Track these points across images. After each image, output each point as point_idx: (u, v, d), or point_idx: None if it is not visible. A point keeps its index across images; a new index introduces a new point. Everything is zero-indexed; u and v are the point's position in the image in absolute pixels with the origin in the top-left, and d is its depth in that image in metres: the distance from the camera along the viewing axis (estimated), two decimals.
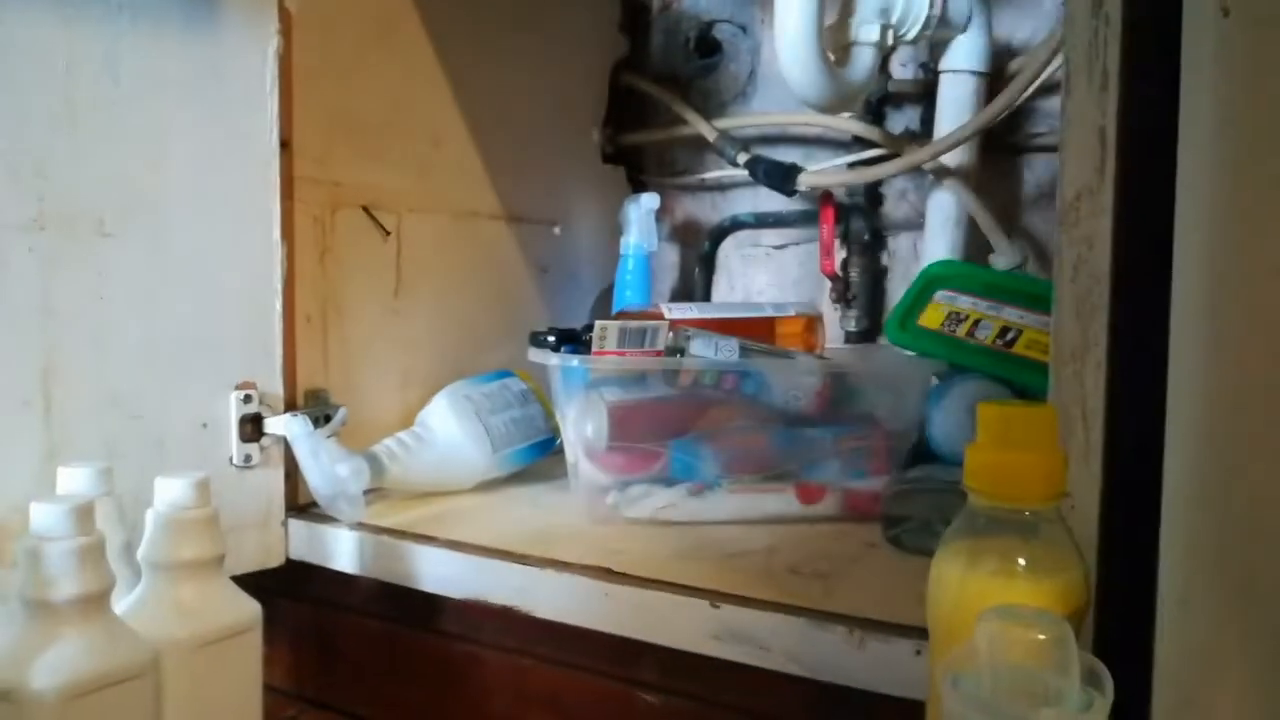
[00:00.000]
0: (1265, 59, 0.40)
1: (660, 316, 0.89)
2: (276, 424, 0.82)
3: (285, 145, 0.83)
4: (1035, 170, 1.10)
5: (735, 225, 1.28)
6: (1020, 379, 0.87)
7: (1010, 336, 0.89)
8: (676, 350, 0.84)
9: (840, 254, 1.17)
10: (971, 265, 1.02)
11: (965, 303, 0.93)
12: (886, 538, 0.77)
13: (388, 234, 0.97)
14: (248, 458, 0.82)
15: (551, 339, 0.87)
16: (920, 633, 0.49)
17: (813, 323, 0.97)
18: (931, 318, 0.94)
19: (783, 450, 0.86)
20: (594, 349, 0.82)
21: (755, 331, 0.91)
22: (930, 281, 0.97)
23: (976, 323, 0.91)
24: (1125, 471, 0.51)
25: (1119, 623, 0.49)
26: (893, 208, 1.18)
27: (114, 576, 0.59)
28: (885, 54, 1.01)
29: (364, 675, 0.84)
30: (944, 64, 1.05)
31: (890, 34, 0.97)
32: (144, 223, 0.75)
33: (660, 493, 0.84)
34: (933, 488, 0.77)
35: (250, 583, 0.69)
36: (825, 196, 1.14)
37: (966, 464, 0.44)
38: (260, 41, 0.81)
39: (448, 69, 1.02)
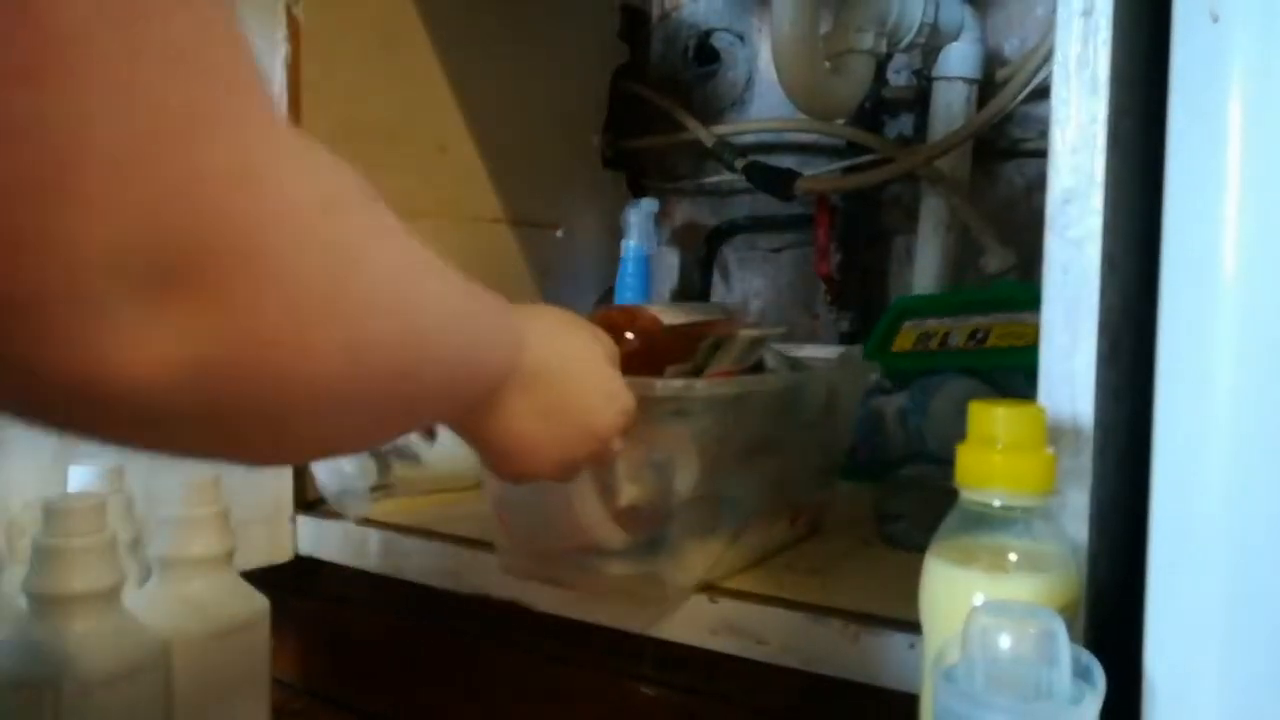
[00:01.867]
0: (1253, 64, 0.41)
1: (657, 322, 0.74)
2: None
3: None
4: (1026, 174, 1.11)
5: (733, 229, 1.29)
6: (999, 364, 0.88)
7: (980, 335, 0.90)
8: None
9: (835, 257, 1.18)
10: (932, 295, 1.04)
11: (932, 323, 0.95)
12: (881, 535, 0.78)
13: None
14: None
15: None
16: (914, 627, 0.50)
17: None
18: (903, 342, 0.96)
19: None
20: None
21: None
22: (898, 315, 0.99)
23: (946, 335, 0.93)
24: (1114, 468, 0.52)
25: (1109, 617, 0.50)
26: (887, 212, 1.19)
27: (125, 572, 0.60)
28: (880, 61, 1.02)
29: (370, 669, 0.85)
30: (937, 71, 1.06)
31: (884, 42, 0.98)
32: None
33: None
34: (925, 485, 0.78)
35: (259, 578, 0.70)
36: (821, 201, 1.15)
37: (957, 462, 0.45)
38: (268, 50, 0.82)
39: (452, 76, 1.03)
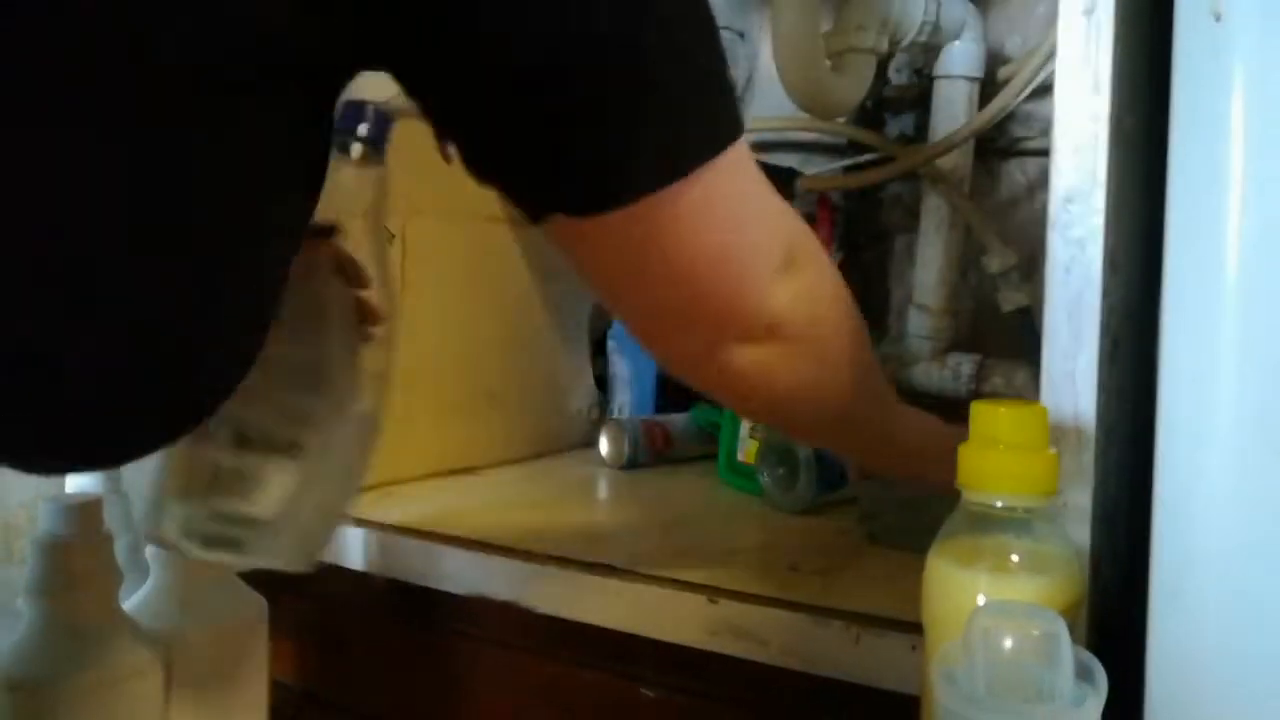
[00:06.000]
0: (1255, 63, 0.41)
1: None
2: None
3: None
4: (1028, 173, 1.11)
5: None
6: None
7: None
8: None
9: (836, 256, 1.18)
10: None
11: None
12: (866, 532, 0.78)
13: (392, 237, 0.97)
14: None
15: None
16: (916, 629, 0.49)
17: None
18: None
19: None
20: None
21: None
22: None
23: None
24: (1117, 469, 0.51)
25: (1112, 619, 0.50)
26: (888, 211, 1.19)
27: (122, 573, 0.60)
28: (881, 60, 1.02)
29: (369, 670, 0.85)
30: (938, 69, 1.06)
31: (886, 40, 0.98)
32: None
33: None
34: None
35: (256, 578, 0.69)
36: (822, 200, 1.15)
37: (960, 463, 0.45)
38: None
39: None
